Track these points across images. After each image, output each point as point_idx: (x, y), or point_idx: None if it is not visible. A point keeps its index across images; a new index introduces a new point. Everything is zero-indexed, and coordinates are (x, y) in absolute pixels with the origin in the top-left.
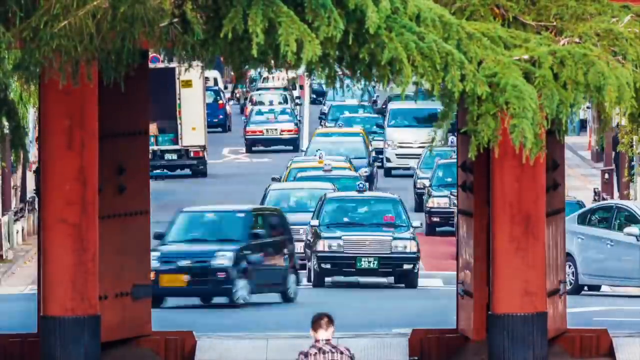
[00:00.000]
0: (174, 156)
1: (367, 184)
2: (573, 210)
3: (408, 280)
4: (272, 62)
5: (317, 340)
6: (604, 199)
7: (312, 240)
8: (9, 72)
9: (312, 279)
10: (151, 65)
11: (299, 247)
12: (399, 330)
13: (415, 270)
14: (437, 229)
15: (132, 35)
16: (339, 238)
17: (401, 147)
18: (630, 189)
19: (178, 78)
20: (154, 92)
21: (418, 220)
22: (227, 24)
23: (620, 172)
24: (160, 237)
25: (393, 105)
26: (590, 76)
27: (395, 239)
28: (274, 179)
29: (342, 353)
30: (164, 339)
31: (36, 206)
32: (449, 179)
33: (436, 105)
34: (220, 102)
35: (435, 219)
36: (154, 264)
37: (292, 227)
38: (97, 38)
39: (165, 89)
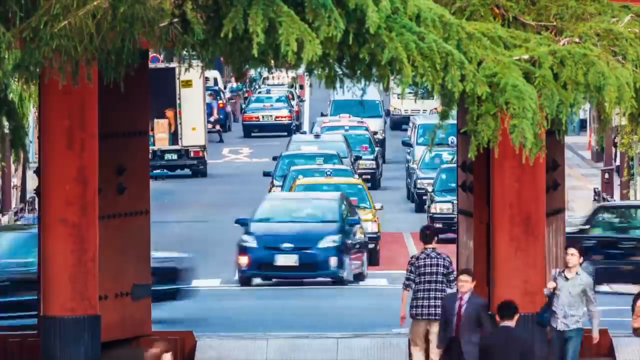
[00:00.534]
0: (174, 156)
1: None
2: None
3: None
4: (272, 62)
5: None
6: (604, 199)
7: None
8: (9, 72)
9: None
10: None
11: None
12: (399, 330)
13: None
14: (440, 235)
15: (132, 35)
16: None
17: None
18: (630, 188)
19: (178, 78)
20: (154, 92)
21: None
22: (227, 24)
23: (620, 173)
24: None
25: (420, 120)
26: (590, 76)
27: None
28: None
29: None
30: (164, 339)
31: (36, 206)
32: (453, 184)
33: None
34: (220, 102)
35: (438, 225)
36: (252, 244)
37: None
38: (97, 38)
39: (165, 89)
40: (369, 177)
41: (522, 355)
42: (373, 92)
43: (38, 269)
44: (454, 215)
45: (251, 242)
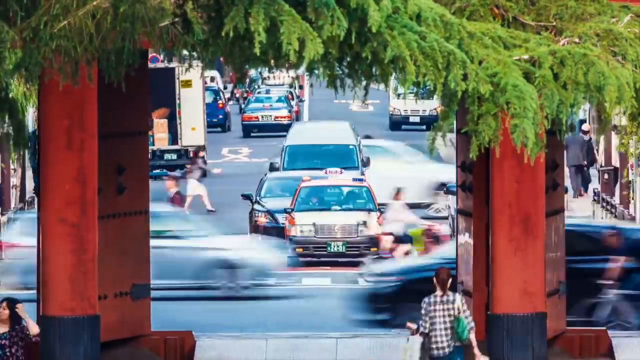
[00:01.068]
0: (174, 156)
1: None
2: None
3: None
4: (273, 61)
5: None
6: (604, 199)
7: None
8: (9, 72)
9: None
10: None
11: None
12: (399, 331)
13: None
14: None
15: (133, 35)
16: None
17: None
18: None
19: (178, 78)
20: (154, 92)
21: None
22: (228, 23)
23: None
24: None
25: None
26: (590, 76)
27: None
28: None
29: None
30: (163, 338)
31: (36, 206)
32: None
33: None
34: (220, 102)
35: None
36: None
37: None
38: (97, 38)
39: (165, 89)
40: None
41: None
42: (345, 133)
43: (38, 269)
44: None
45: None
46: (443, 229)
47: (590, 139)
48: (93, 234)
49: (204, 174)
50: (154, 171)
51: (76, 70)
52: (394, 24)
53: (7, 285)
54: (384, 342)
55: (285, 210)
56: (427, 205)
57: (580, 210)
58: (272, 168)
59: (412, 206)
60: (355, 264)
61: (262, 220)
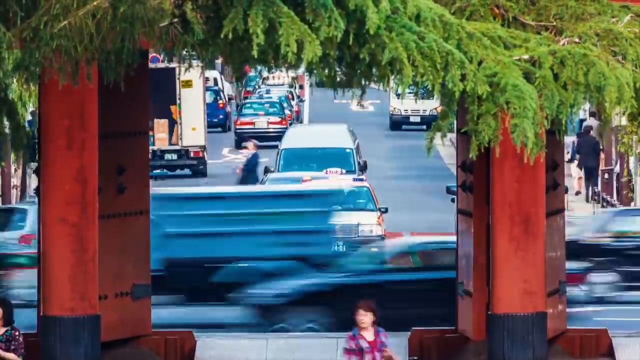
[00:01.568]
0: (174, 156)
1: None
2: None
3: None
4: (272, 62)
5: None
6: (604, 199)
7: None
8: (9, 72)
9: None
10: (151, 65)
11: None
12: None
13: None
14: None
15: (132, 35)
16: None
17: None
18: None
19: (178, 78)
20: (154, 92)
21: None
22: (227, 24)
23: (620, 173)
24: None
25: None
26: (590, 76)
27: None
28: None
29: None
30: (164, 338)
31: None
32: None
33: None
34: (221, 102)
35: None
36: None
37: None
38: (97, 38)
39: (165, 89)
40: None
41: None
42: (342, 137)
43: (38, 269)
44: None
45: None
46: None
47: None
48: (93, 233)
49: (203, 173)
50: (154, 171)
51: (76, 70)
52: (393, 25)
53: None
54: None
55: None
56: None
57: (580, 210)
58: (267, 172)
59: None
60: None
61: None
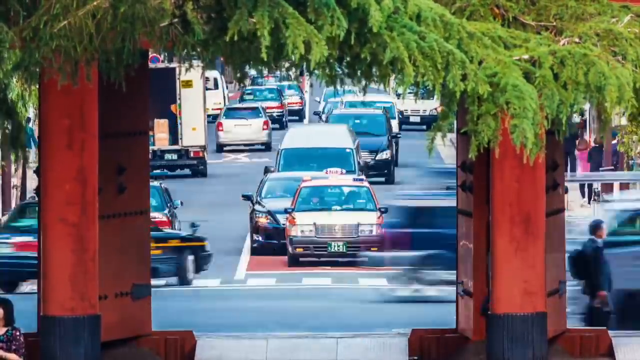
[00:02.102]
0: (174, 156)
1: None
2: None
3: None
4: (275, 62)
5: None
6: (604, 200)
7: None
8: (9, 72)
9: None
10: (151, 65)
11: None
12: (399, 330)
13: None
14: None
15: (133, 35)
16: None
17: None
18: (630, 189)
19: (178, 78)
20: (154, 92)
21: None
22: (232, 26)
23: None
24: None
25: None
26: (590, 76)
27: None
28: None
29: None
30: (164, 338)
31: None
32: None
33: None
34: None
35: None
36: None
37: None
38: (97, 38)
39: (165, 89)
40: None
41: None
42: (342, 137)
43: (38, 269)
44: None
45: None
46: None
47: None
48: (93, 233)
49: (203, 173)
50: (154, 171)
51: (76, 70)
52: (394, 24)
53: None
54: (384, 342)
55: (285, 211)
56: None
57: (580, 210)
58: (267, 172)
59: None
60: (356, 264)
61: (263, 221)
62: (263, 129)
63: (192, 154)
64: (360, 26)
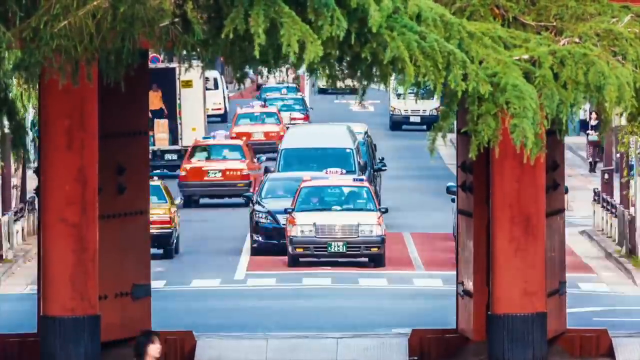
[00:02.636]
0: (174, 156)
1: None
2: None
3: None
4: (273, 62)
5: None
6: (604, 200)
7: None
8: (9, 72)
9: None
10: (151, 65)
11: None
12: (399, 330)
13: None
14: None
15: (132, 35)
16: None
17: None
18: (630, 188)
19: (178, 78)
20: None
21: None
22: (228, 25)
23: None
24: None
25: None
26: (590, 76)
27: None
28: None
29: None
30: (163, 339)
31: (36, 206)
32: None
33: None
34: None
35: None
36: None
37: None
38: (97, 38)
39: (165, 89)
40: None
41: None
42: (342, 137)
43: (38, 269)
44: None
45: None
46: None
47: None
48: (93, 234)
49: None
50: (154, 171)
51: (76, 70)
52: (394, 24)
53: None
54: (384, 342)
55: (285, 211)
56: None
57: (580, 210)
58: (267, 172)
59: None
60: (356, 264)
61: (263, 221)
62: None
63: None
64: (360, 26)
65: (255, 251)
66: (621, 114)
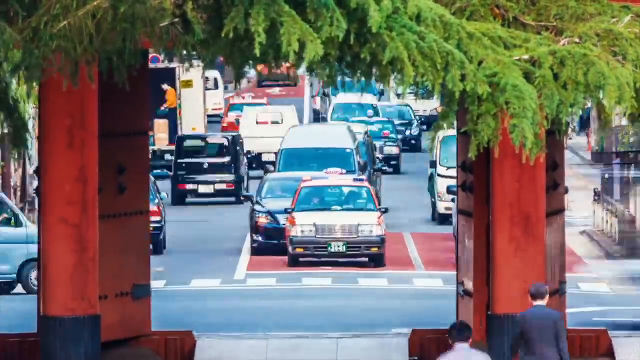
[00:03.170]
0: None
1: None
2: None
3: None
4: (273, 61)
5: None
6: (604, 199)
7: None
8: (9, 72)
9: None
10: (151, 65)
11: None
12: (399, 330)
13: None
14: None
15: (133, 35)
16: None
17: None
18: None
19: (178, 78)
20: (154, 92)
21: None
22: (228, 24)
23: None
24: None
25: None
26: (590, 76)
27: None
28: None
29: None
30: (163, 338)
31: (36, 206)
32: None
33: None
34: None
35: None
36: None
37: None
38: (97, 38)
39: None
40: None
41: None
42: (342, 137)
43: (38, 269)
44: None
45: None
46: None
47: None
48: (94, 233)
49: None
50: (154, 171)
51: (76, 70)
52: (394, 24)
53: None
54: (384, 342)
55: (285, 211)
56: None
57: (581, 210)
58: (267, 172)
59: None
60: (356, 264)
61: (263, 220)
62: None
63: None
64: (359, 26)
65: (255, 251)
66: (623, 115)
